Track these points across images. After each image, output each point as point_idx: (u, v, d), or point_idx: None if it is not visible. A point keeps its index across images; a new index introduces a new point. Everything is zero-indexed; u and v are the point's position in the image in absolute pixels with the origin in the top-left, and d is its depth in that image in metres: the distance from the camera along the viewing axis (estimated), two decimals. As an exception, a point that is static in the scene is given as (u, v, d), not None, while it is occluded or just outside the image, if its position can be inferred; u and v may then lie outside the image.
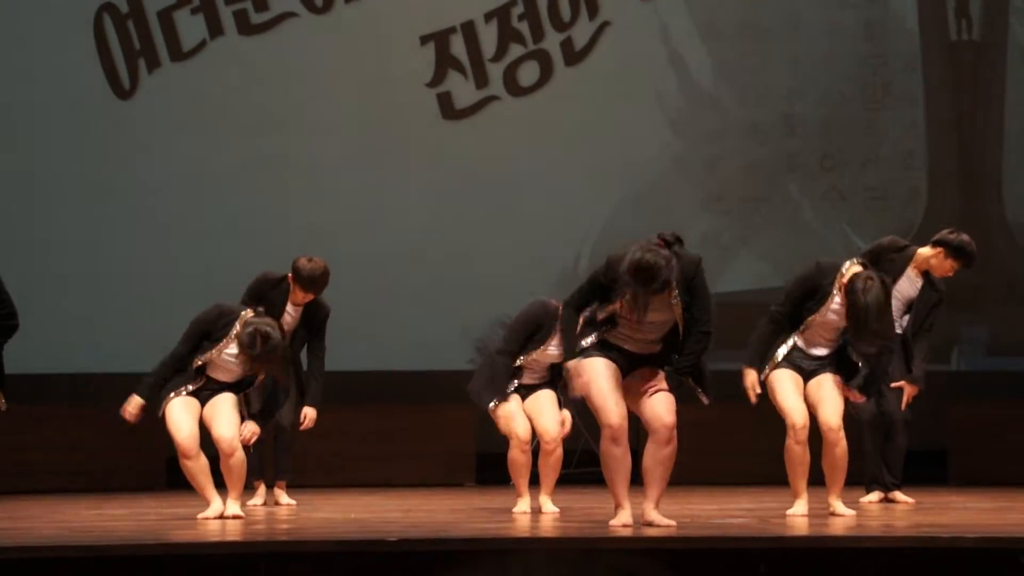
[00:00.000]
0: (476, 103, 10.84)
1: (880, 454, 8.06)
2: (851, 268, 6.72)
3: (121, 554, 5.44)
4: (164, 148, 10.60)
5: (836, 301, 6.71)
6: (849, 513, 6.85)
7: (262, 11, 10.81)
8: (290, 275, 8.03)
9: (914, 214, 11.11)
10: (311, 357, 8.17)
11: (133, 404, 6.96)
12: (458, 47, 10.90)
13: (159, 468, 9.30)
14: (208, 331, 7.00)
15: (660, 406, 6.25)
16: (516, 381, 7.44)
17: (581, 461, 10.05)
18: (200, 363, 6.98)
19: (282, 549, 5.65)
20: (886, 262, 7.74)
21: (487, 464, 9.52)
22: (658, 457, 6.33)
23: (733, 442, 9.87)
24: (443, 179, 10.61)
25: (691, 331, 6.16)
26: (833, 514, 6.83)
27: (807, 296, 6.79)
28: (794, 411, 6.71)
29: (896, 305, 7.41)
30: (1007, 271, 10.88)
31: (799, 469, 6.76)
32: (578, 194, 10.69)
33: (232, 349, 6.96)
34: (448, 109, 10.85)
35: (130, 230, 10.30)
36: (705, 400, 6.25)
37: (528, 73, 10.96)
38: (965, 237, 7.99)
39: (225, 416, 7.01)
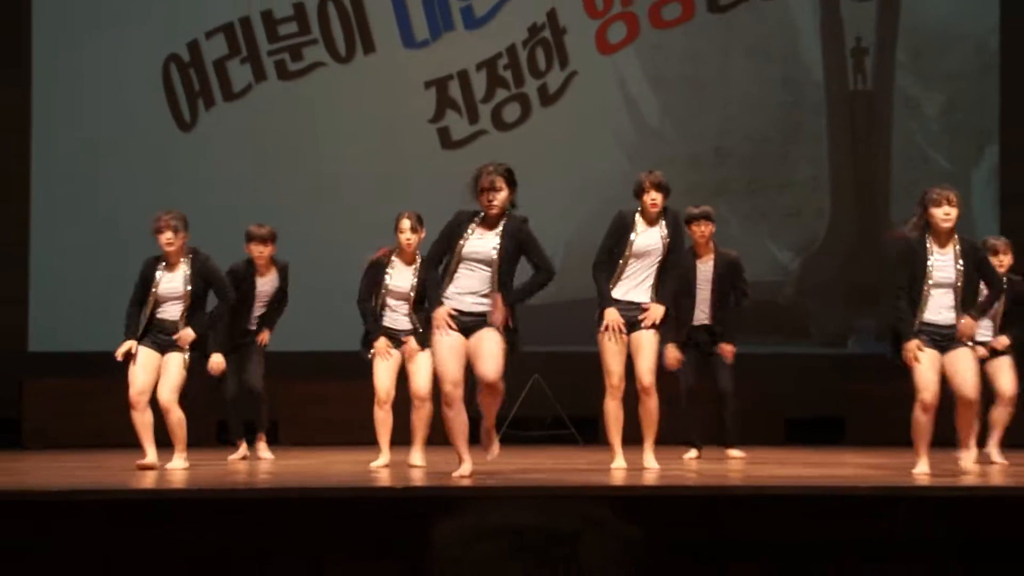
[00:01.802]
0: (469, 136, 10.84)
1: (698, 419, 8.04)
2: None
3: (180, 498, 5.42)
4: (217, 172, 10.59)
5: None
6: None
7: (297, 61, 10.82)
8: (246, 247, 7.96)
9: (820, 228, 11.13)
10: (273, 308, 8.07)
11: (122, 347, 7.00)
12: (455, 91, 10.91)
13: (211, 428, 9.28)
14: (148, 276, 7.04)
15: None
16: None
17: (553, 424, 10.03)
18: (151, 303, 6.96)
19: (302, 495, 5.61)
20: None
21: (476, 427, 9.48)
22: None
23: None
24: (442, 197, 10.51)
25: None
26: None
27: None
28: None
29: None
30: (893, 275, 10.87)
31: None
32: (552, 209, 10.64)
33: (167, 280, 6.95)
34: (446, 141, 10.86)
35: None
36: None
37: (511, 112, 10.96)
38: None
39: (167, 377, 6.93)
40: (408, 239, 7.35)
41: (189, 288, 7.03)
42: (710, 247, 8.08)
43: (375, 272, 7.41)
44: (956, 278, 6.41)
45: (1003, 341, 7.77)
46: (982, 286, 6.61)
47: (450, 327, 6.04)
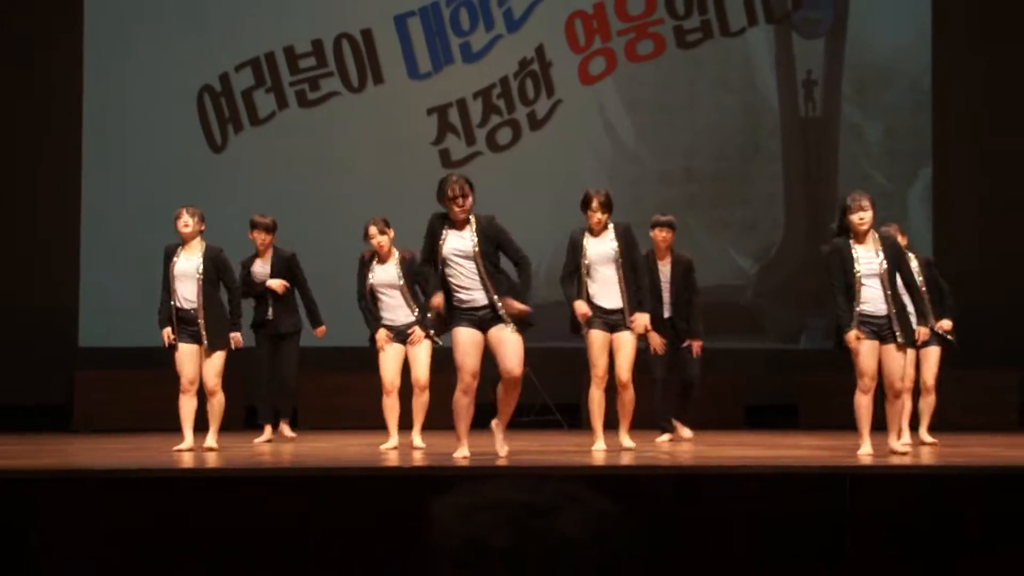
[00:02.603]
0: (466, 157, 10.83)
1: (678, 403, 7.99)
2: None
3: (211, 475, 5.40)
4: (245, 188, 10.57)
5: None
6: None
7: (315, 91, 10.80)
8: (250, 234, 8.06)
9: (776, 238, 11.13)
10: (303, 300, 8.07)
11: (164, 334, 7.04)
12: (454, 117, 10.90)
13: (239, 413, 9.27)
14: (168, 256, 7.15)
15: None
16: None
17: (541, 411, 10.03)
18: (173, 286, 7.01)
19: (332, 474, 5.61)
20: None
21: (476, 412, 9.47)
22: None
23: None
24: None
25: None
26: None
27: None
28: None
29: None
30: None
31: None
32: (539, 222, 10.66)
33: (183, 260, 6.99)
34: (446, 161, 10.84)
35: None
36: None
37: (504, 135, 10.95)
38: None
39: (210, 364, 6.97)
40: (378, 242, 7.37)
41: (201, 269, 7.03)
42: (669, 252, 8.03)
43: (363, 270, 7.46)
44: (880, 269, 6.44)
45: (945, 325, 7.72)
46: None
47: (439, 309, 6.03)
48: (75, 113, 10.41)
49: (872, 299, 6.46)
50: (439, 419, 8.65)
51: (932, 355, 7.69)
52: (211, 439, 7.00)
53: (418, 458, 6.69)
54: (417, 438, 7.22)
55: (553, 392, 10.02)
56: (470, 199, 6.10)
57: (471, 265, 6.04)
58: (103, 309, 10.24)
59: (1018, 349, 10.50)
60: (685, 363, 8.03)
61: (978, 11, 11.19)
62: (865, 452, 6.41)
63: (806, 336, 11.02)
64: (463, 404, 6.03)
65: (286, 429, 8.08)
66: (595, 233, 6.88)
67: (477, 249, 6.02)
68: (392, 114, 10.75)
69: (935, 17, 11.17)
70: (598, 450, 6.66)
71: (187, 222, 7.13)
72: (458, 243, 6.06)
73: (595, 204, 6.84)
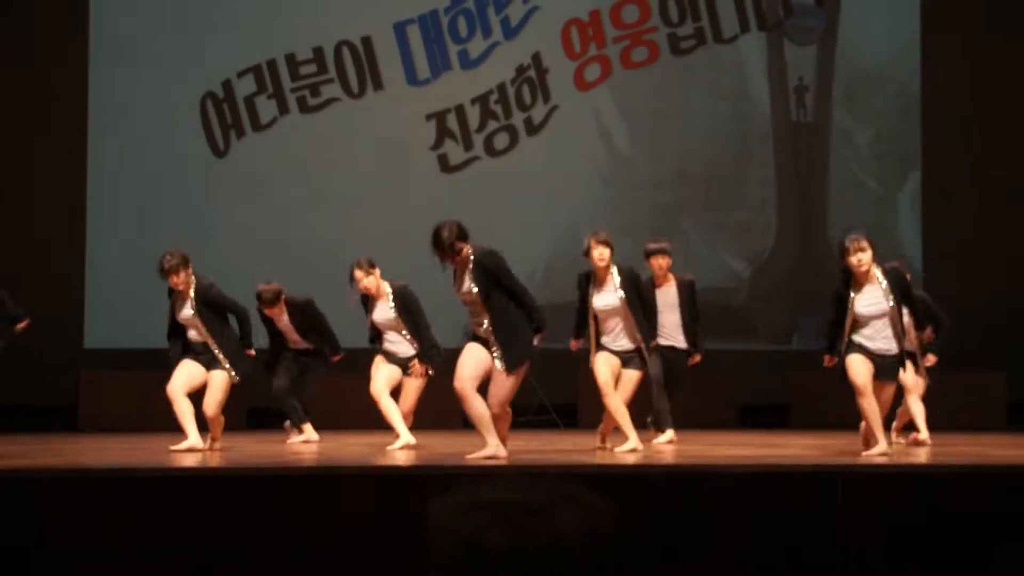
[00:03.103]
0: (464, 161, 10.82)
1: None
2: None
3: (211, 475, 5.39)
4: (247, 192, 10.56)
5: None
6: None
7: (316, 97, 10.79)
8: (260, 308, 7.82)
9: (768, 242, 11.12)
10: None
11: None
12: (452, 122, 10.89)
13: (242, 416, 9.25)
14: (171, 305, 7.03)
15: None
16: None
17: (538, 411, 10.02)
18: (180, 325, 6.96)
19: (331, 473, 5.59)
20: None
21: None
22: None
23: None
24: (442, 214, 10.54)
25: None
26: None
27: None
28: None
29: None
30: (830, 282, 10.86)
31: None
32: (536, 225, 10.67)
33: (180, 307, 6.93)
34: (445, 165, 10.83)
35: (220, 253, 10.24)
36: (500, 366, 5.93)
37: (501, 141, 10.94)
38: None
39: (211, 394, 6.91)
40: (364, 285, 7.29)
41: (194, 315, 6.93)
42: (668, 277, 7.86)
43: (365, 306, 7.45)
44: (888, 308, 6.31)
45: (929, 359, 7.56)
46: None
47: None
48: (80, 118, 10.40)
49: (875, 337, 6.34)
50: (436, 420, 8.64)
51: (910, 367, 7.46)
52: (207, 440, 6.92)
53: (411, 457, 6.66)
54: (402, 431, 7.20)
55: (550, 393, 10.01)
56: (464, 249, 5.99)
57: (480, 307, 6.02)
58: (108, 312, 10.22)
59: (1005, 350, 10.50)
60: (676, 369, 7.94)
61: (967, 15, 11.19)
62: (875, 451, 6.27)
63: (798, 337, 11.01)
64: (465, 409, 6.00)
65: (311, 432, 8.01)
66: (600, 278, 6.81)
67: (477, 289, 6.00)
68: (391, 120, 10.74)
69: (923, 22, 11.17)
70: (625, 450, 6.61)
71: (175, 282, 6.89)
72: (463, 288, 6.05)
73: (593, 243, 6.78)
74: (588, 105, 10.99)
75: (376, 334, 7.39)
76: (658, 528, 4.90)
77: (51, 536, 4.81)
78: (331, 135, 10.72)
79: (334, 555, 4.89)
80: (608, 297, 6.74)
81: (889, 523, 5.07)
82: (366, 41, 10.84)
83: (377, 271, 7.33)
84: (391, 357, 7.31)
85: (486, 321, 5.92)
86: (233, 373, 6.90)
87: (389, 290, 7.31)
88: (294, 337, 7.83)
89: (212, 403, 6.86)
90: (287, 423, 8.00)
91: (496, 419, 5.97)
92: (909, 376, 7.50)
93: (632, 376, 6.75)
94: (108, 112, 10.43)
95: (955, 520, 5.06)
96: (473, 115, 10.89)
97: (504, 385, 5.90)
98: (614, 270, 6.78)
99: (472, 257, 5.96)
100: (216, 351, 6.88)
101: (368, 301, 7.39)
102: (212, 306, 6.96)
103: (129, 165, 10.41)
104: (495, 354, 5.90)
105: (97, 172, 10.44)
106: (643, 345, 6.81)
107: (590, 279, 6.82)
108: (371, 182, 10.67)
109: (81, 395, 9.63)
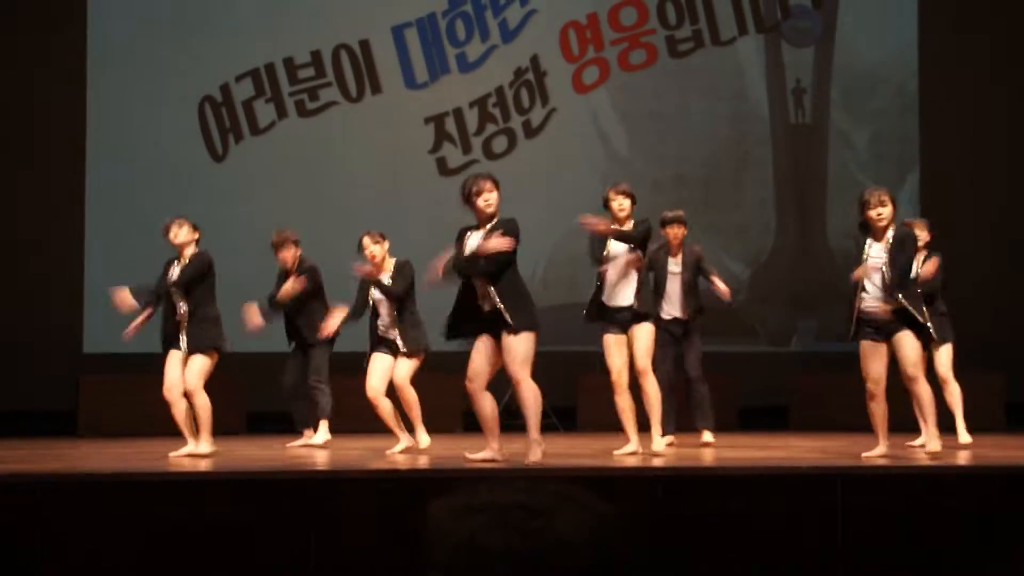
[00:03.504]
0: (463, 164, 10.81)
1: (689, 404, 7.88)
2: None
3: (214, 480, 5.38)
4: (246, 196, 10.56)
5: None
6: None
7: (314, 100, 10.79)
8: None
9: (767, 243, 11.13)
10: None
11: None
12: (451, 125, 10.89)
13: (241, 419, 9.25)
14: (165, 268, 7.03)
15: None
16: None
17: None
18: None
19: (330, 476, 5.59)
20: None
21: (470, 416, 9.45)
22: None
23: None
24: (439, 217, 10.56)
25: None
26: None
27: None
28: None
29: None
30: (829, 281, 10.89)
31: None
32: (534, 228, 10.58)
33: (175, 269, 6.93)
34: (443, 169, 10.83)
35: (219, 257, 10.23)
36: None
37: (499, 144, 10.94)
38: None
39: (191, 368, 6.78)
40: (371, 252, 7.33)
41: (181, 276, 6.93)
42: (681, 247, 7.98)
43: (363, 289, 7.45)
44: (883, 263, 6.23)
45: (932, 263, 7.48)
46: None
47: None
48: (78, 123, 10.40)
49: (875, 295, 6.23)
50: (436, 422, 8.63)
51: (941, 351, 7.39)
52: (204, 445, 6.80)
53: (410, 460, 6.66)
54: (422, 437, 7.16)
55: (548, 395, 9.99)
56: (494, 194, 6.01)
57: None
58: (108, 316, 10.20)
59: (1004, 350, 10.49)
60: (687, 361, 7.93)
61: (965, 16, 11.19)
62: (875, 452, 6.23)
63: (797, 338, 11.02)
64: (474, 408, 5.96)
65: (310, 435, 7.97)
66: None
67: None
68: (390, 123, 10.74)
69: (921, 23, 11.18)
70: (624, 453, 6.55)
71: (174, 233, 6.98)
72: (473, 244, 6.01)
73: (612, 194, 6.81)
74: (586, 108, 10.99)
75: (373, 315, 7.35)
76: (658, 531, 4.90)
77: (53, 541, 4.80)
78: (329, 139, 10.72)
79: (334, 559, 4.88)
80: (618, 245, 6.71)
81: (890, 525, 5.06)
82: (364, 44, 10.84)
83: (387, 244, 7.38)
84: (382, 344, 7.29)
85: (491, 290, 5.86)
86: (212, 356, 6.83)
87: (392, 264, 7.38)
88: (287, 289, 7.84)
89: (192, 374, 6.76)
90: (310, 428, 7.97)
91: (523, 393, 5.82)
92: (942, 360, 7.34)
93: (639, 329, 6.61)
94: (106, 116, 10.43)
95: (956, 522, 5.06)
96: (471, 118, 10.89)
97: (518, 350, 5.79)
98: (631, 224, 6.80)
99: (497, 218, 5.98)
100: (185, 326, 6.86)
101: (366, 286, 7.40)
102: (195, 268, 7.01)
103: (127, 169, 10.41)
104: (505, 319, 5.80)
105: (95, 176, 10.44)
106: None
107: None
108: (369, 186, 10.67)
109: (81, 400, 9.62)
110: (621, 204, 6.78)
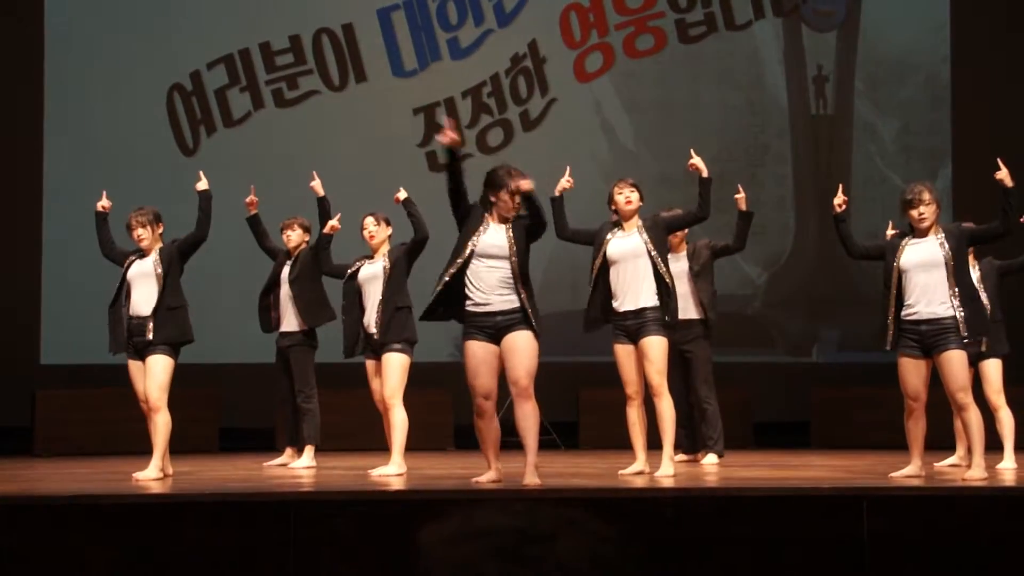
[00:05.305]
0: (455, 159, 10.82)
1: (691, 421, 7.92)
2: None
3: (183, 501, 5.38)
4: (218, 193, 10.54)
5: None
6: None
7: (293, 89, 10.81)
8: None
9: (785, 244, 11.14)
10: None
11: None
12: (442, 117, 10.90)
13: (214, 436, 9.25)
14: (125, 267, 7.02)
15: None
16: None
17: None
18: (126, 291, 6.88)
19: (311, 498, 5.59)
20: None
21: (461, 433, 9.48)
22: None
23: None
24: (429, 215, 10.57)
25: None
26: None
27: None
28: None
29: None
30: (854, 288, 10.91)
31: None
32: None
33: (138, 264, 6.94)
34: (434, 164, 10.84)
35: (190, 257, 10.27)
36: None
37: (495, 136, 10.95)
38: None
39: (152, 377, 6.66)
40: (371, 232, 7.38)
41: (158, 271, 6.91)
42: (683, 245, 8.06)
43: (352, 278, 7.50)
44: (943, 257, 6.19)
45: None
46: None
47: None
48: (35, 117, 10.39)
49: (922, 299, 6.10)
50: (426, 440, 8.62)
51: (991, 367, 7.28)
52: (153, 466, 6.63)
53: (400, 482, 6.66)
54: (395, 460, 7.08)
55: (548, 411, 10.00)
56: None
57: (504, 269, 5.92)
58: (67, 325, 10.21)
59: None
60: (694, 376, 7.95)
61: None
62: (905, 472, 6.20)
63: (818, 348, 11.03)
64: (481, 427, 5.92)
65: (291, 454, 7.95)
66: (626, 224, 6.81)
67: (512, 247, 5.93)
68: (375, 114, 10.76)
69: (953, 5, 11.20)
70: (630, 473, 6.55)
71: (140, 235, 7.00)
72: (494, 238, 6.00)
73: (619, 187, 6.83)
74: (589, 97, 11.01)
75: (354, 311, 7.39)
76: (666, 557, 4.90)
77: (5, 572, 4.80)
78: (310, 131, 10.73)
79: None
80: (629, 241, 6.69)
81: (922, 554, 5.06)
82: (347, 29, 10.85)
83: (389, 229, 7.55)
84: (371, 345, 7.29)
85: (504, 285, 5.83)
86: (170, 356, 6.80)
87: (387, 249, 7.45)
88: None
89: (154, 386, 6.67)
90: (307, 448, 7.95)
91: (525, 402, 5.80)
92: (991, 379, 7.19)
93: (654, 343, 6.58)
94: (65, 108, 10.43)
95: (996, 550, 5.06)
96: (465, 109, 10.91)
97: (531, 355, 5.77)
98: (638, 219, 6.80)
99: (518, 213, 6.01)
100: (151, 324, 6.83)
101: (355, 274, 7.48)
102: (178, 251, 7.09)
103: (88, 165, 10.41)
104: (528, 318, 5.73)
105: (54, 172, 10.44)
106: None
107: (610, 227, 6.83)
108: (354, 182, 10.66)
109: (37, 416, 9.61)
110: (628, 197, 6.80)
